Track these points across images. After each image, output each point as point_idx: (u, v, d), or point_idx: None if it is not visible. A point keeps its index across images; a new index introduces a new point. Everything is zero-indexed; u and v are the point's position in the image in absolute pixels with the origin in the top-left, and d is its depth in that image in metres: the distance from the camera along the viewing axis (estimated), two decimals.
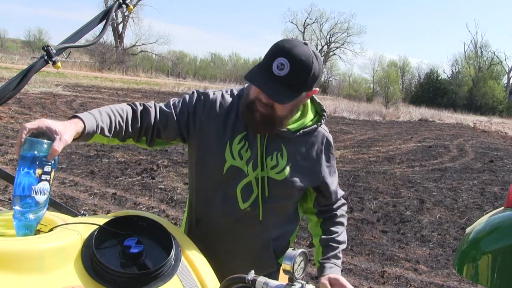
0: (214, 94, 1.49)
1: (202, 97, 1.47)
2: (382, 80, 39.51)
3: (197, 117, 1.45)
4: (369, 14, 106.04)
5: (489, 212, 2.30)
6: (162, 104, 1.47)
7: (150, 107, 1.43)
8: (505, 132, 19.07)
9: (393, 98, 33.35)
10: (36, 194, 1.05)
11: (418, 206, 6.16)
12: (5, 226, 1.13)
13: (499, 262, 1.89)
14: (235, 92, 1.51)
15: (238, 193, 1.43)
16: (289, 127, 1.43)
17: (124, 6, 1.67)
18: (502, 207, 2.18)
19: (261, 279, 1.03)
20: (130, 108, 1.40)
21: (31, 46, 41.03)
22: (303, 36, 47.77)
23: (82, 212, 1.88)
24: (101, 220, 1.17)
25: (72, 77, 21.18)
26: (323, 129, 1.53)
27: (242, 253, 1.49)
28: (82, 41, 1.61)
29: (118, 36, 38.93)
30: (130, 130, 1.37)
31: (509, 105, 40.96)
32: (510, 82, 46.11)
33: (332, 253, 1.54)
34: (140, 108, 1.41)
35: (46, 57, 1.41)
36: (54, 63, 1.43)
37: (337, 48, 48.69)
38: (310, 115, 1.49)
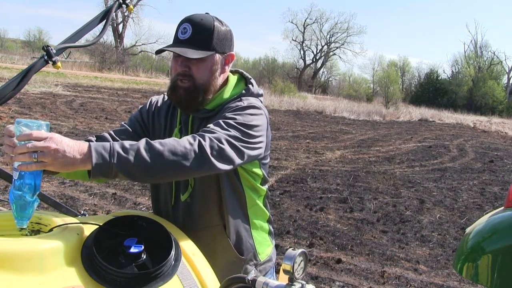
0: (156, 98, 1.60)
1: (147, 104, 1.59)
2: (382, 80, 39.48)
3: (145, 122, 1.55)
4: (369, 14, 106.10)
5: (489, 212, 2.29)
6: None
7: (104, 133, 1.51)
8: (505, 132, 19.06)
9: (393, 98, 33.31)
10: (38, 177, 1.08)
11: (418, 206, 6.16)
12: (5, 226, 1.13)
13: (499, 262, 1.89)
14: None
15: (178, 186, 1.48)
16: (207, 107, 1.45)
17: (124, 6, 1.68)
18: (502, 207, 2.18)
19: (261, 279, 1.03)
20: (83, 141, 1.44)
21: (31, 46, 41.02)
22: (303, 36, 47.79)
23: (82, 212, 1.89)
24: (101, 220, 1.17)
25: (72, 77, 21.18)
26: (245, 100, 1.44)
27: (200, 243, 1.40)
28: (82, 41, 1.62)
29: (118, 36, 38.92)
30: None
31: (509, 105, 40.92)
32: (510, 82, 46.11)
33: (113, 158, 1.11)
34: (93, 138, 1.48)
35: (46, 57, 1.41)
36: (54, 63, 1.43)
37: (337, 48, 48.61)
38: (230, 92, 1.48)
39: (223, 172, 1.34)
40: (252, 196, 1.52)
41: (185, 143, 1.19)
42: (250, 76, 1.55)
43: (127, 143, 1.14)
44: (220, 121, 1.32)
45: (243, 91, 1.48)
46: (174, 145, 1.17)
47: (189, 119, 1.48)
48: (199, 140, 1.20)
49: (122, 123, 1.57)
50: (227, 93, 1.47)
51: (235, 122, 1.32)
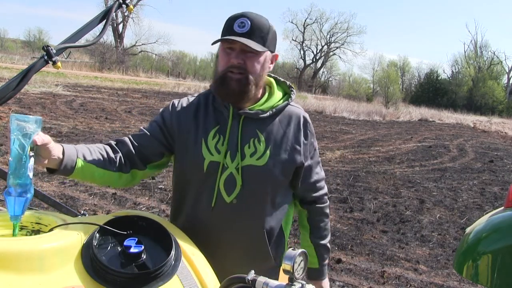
0: (179, 100, 1.54)
1: (169, 107, 1.53)
2: (382, 80, 39.48)
3: (168, 126, 1.49)
4: (369, 14, 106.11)
5: (489, 212, 2.29)
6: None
7: (123, 138, 1.48)
8: (505, 132, 19.06)
9: (393, 98, 33.31)
10: (29, 171, 1.07)
11: (418, 206, 6.16)
12: (5, 226, 1.13)
13: (499, 262, 1.89)
14: (200, 92, 1.58)
15: (222, 187, 1.43)
16: (259, 107, 1.46)
17: (124, 6, 1.68)
18: (502, 207, 2.18)
19: (261, 279, 1.03)
20: (103, 144, 1.44)
21: (31, 46, 41.03)
22: (303, 36, 47.78)
23: (82, 212, 1.89)
24: (101, 220, 1.17)
25: (72, 77, 21.18)
26: (296, 107, 1.55)
27: (237, 247, 1.47)
28: (82, 41, 1.62)
29: (118, 36, 38.92)
30: (113, 158, 1.40)
31: (509, 105, 40.93)
32: (510, 82, 46.11)
33: (326, 259, 1.66)
34: (113, 142, 1.46)
35: (46, 57, 1.42)
36: (54, 63, 1.43)
37: (337, 48, 48.63)
38: (278, 95, 1.52)
39: (286, 179, 1.50)
40: (290, 202, 1.60)
41: (328, 215, 1.66)
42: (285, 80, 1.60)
43: (328, 247, 1.65)
44: (316, 159, 1.58)
45: (291, 97, 1.52)
46: (328, 226, 1.67)
47: (241, 119, 1.45)
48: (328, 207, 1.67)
49: (141, 127, 1.52)
50: (276, 95, 1.50)
51: (319, 156, 1.62)
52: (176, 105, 1.52)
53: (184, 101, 1.53)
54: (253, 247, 1.48)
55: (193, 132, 1.46)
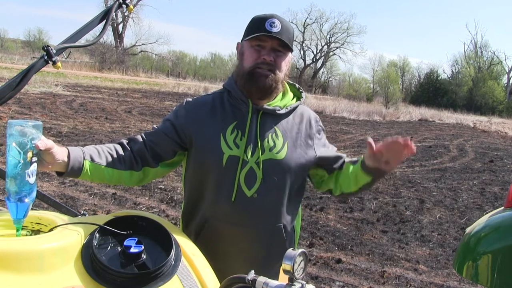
0: (192, 98, 1.58)
1: (183, 104, 1.56)
2: (382, 80, 39.55)
3: (182, 123, 1.50)
4: (369, 14, 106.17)
5: (489, 212, 2.30)
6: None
7: (136, 136, 1.50)
8: (505, 132, 19.05)
9: (393, 98, 33.37)
10: (29, 177, 1.06)
11: (418, 206, 6.16)
12: (5, 226, 1.13)
13: (499, 262, 1.89)
14: (213, 90, 1.62)
15: (242, 181, 1.44)
16: (279, 103, 1.52)
17: (124, 6, 1.68)
18: (502, 207, 2.18)
19: (261, 279, 1.03)
20: (115, 143, 1.46)
21: (31, 46, 41.05)
22: (303, 36, 47.78)
23: (82, 212, 1.89)
24: (101, 220, 1.17)
25: (72, 77, 21.18)
26: (306, 106, 1.65)
27: (256, 242, 1.49)
28: (82, 41, 1.62)
29: (118, 36, 38.91)
30: (123, 156, 1.41)
31: (509, 105, 40.94)
32: (510, 82, 46.11)
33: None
34: (125, 140, 1.47)
35: (46, 57, 1.41)
36: (54, 63, 1.43)
37: (337, 48, 48.60)
38: (291, 94, 1.60)
39: (302, 172, 1.54)
40: (301, 200, 1.63)
41: None
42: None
43: None
44: (333, 149, 1.63)
45: (303, 97, 1.61)
46: None
47: (259, 115, 1.49)
48: None
49: (154, 126, 1.55)
50: (290, 95, 1.59)
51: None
52: (190, 102, 1.55)
53: (199, 99, 1.57)
54: (272, 241, 1.50)
55: (210, 127, 1.48)
